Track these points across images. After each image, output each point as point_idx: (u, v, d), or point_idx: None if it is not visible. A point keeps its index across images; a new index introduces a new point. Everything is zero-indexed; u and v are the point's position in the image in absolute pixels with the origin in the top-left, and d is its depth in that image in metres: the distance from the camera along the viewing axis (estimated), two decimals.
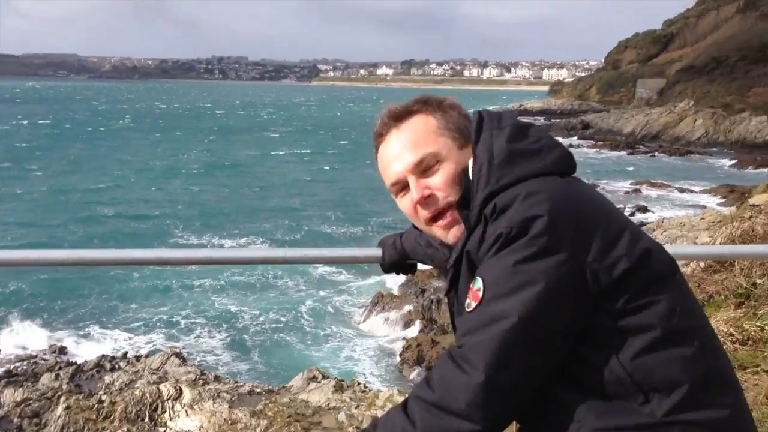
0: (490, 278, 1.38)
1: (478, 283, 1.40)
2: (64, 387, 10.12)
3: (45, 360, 12.83)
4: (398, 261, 2.16)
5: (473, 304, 1.39)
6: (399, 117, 1.68)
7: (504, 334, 1.34)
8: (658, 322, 1.37)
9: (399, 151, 1.65)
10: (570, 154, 1.63)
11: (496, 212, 1.43)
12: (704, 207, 28.09)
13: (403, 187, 1.66)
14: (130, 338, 15.98)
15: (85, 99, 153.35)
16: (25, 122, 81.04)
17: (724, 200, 30.42)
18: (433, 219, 1.64)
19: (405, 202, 1.67)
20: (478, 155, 1.55)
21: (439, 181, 1.61)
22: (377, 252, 2.24)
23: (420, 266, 2.19)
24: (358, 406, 9.30)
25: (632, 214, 28.53)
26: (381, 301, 16.94)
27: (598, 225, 1.41)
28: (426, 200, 1.62)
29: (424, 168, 1.62)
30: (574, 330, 1.38)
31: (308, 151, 57.64)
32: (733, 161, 46.78)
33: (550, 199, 1.41)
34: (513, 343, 1.34)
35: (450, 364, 1.38)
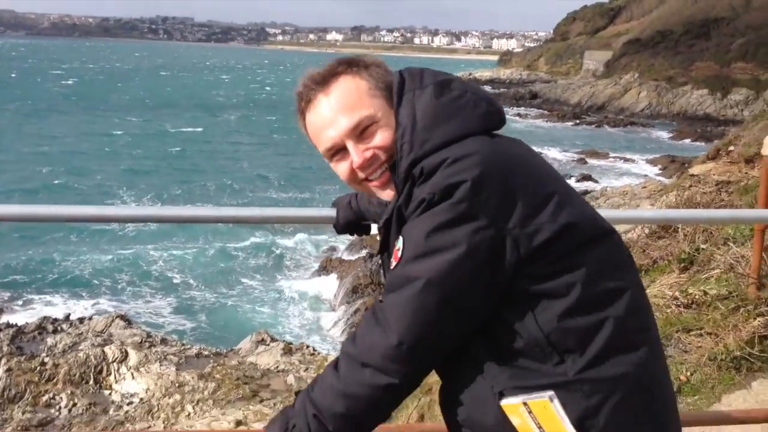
0: (409, 240, 1.40)
1: (399, 243, 1.42)
2: (5, 349, 9.87)
3: None
4: (353, 221, 2.12)
5: (394, 264, 1.42)
6: (325, 80, 1.60)
7: (416, 297, 1.37)
8: (578, 286, 1.39)
9: (332, 116, 1.58)
10: (498, 109, 1.58)
11: (423, 176, 1.42)
12: (646, 176, 28.75)
13: (338, 151, 1.61)
14: (73, 300, 15.67)
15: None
16: None
17: (664, 170, 31.19)
18: (369, 179, 1.61)
19: (342, 167, 1.62)
20: (400, 120, 1.52)
21: (379, 142, 1.57)
22: (331, 212, 2.19)
23: (374, 228, 2.17)
24: (306, 368, 9.34)
25: (577, 182, 29.05)
26: (329, 264, 16.95)
27: (525, 191, 1.40)
28: (368, 162, 1.58)
29: (361, 131, 1.57)
30: (491, 294, 1.39)
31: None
32: (675, 133, 47.91)
33: (477, 164, 1.39)
34: (424, 306, 1.36)
35: (370, 321, 1.42)
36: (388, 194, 1.59)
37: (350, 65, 1.62)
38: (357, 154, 1.57)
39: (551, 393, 1.36)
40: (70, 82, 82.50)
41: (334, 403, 1.44)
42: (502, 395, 1.39)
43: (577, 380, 1.37)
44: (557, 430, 1.37)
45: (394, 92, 1.56)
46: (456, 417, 1.51)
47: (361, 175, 1.60)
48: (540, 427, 1.38)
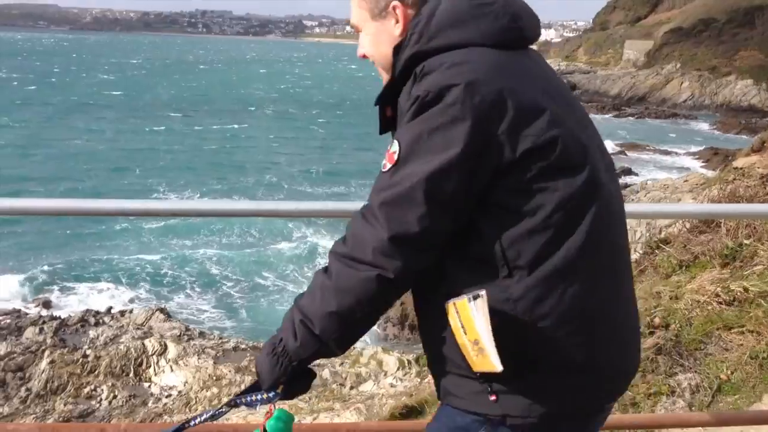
0: (404, 142, 1.45)
1: (395, 146, 1.46)
2: (48, 341, 10.10)
3: (28, 314, 12.78)
4: None
5: (388, 165, 1.47)
6: None
7: (407, 195, 1.43)
8: (546, 209, 1.44)
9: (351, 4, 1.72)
10: (520, 26, 1.56)
11: (422, 74, 1.48)
12: (688, 170, 28.23)
13: None
14: (115, 293, 15.94)
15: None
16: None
17: (707, 163, 30.57)
18: None
19: None
20: (422, 10, 1.57)
21: (359, 48, 1.71)
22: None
23: None
24: (342, 363, 9.36)
25: (617, 175, 28.66)
26: None
27: (518, 101, 1.43)
28: (362, 57, 1.71)
29: (357, 27, 1.71)
30: (473, 198, 1.45)
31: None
32: (718, 124, 46.92)
33: (473, 71, 1.43)
34: (415, 204, 1.43)
35: (360, 220, 1.48)
36: (386, 77, 1.66)
37: None
38: (358, 46, 1.72)
39: (475, 294, 1.41)
40: (111, 78, 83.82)
41: (324, 303, 1.49)
42: (448, 298, 1.47)
43: (516, 297, 1.44)
44: (472, 330, 1.42)
45: None
46: (422, 323, 1.61)
47: None
48: (462, 327, 1.44)
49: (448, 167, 1.41)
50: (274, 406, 1.66)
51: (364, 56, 1.71)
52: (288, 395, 1.63)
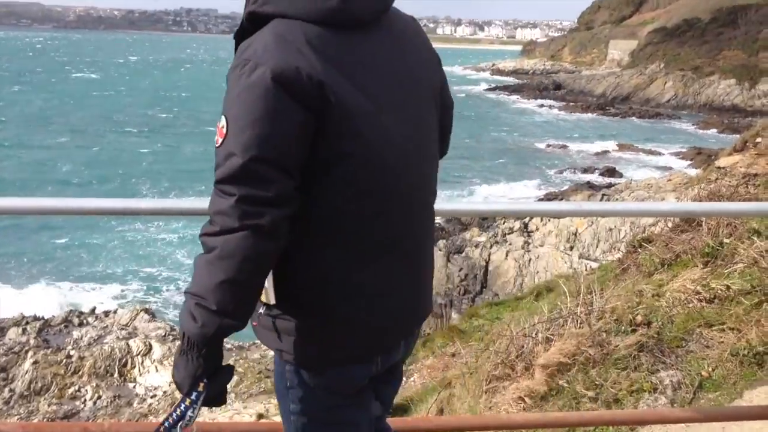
0: (230, 116, 1.52)
1: (222, 121, 1.53)
2: (32, 342, 10.03)
3: (11, 314, 12.68)
4: None
5: (220, 140, 1.54)
6: None
7: (245, 163, 1.51)
8: (346, 178, 1.60)
9: None
10: (348, 8, 1.59)
11: (243, 46, 1.58)
12: (671, 169, 28.44)
13: None
14: (98, 293, 15.86)
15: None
16: None
17: (691, 162, 30.83)
18: None
19: None
20: None
21: None
22: None
23: None
24: None
25: (601, 175, 28.80)
26: None
27: (313, 69, 1.52)
28: None
29: None
30: (297, 164, 1.56)
31: None
32: (701, 124, 47.30)
33: (282, 50, 1.52)
34: (252, 170, 1.51)
35: (216, 198, 1.54)
36: None
37: None
38: None
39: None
40: (94, 77, 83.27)
41: (211, 276, 1.52)
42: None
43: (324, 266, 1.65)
44: None
45: None
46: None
47: None
48: None
49: (271, 138, 1.51)
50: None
51: None
52: (212, 391, 1.60)
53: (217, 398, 1.62)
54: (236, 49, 1.65)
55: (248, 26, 1.64)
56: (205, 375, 1.57)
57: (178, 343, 1.46)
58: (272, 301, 1.67)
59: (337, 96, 1.54)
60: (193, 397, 1.56)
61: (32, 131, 39.31)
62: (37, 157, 32.01)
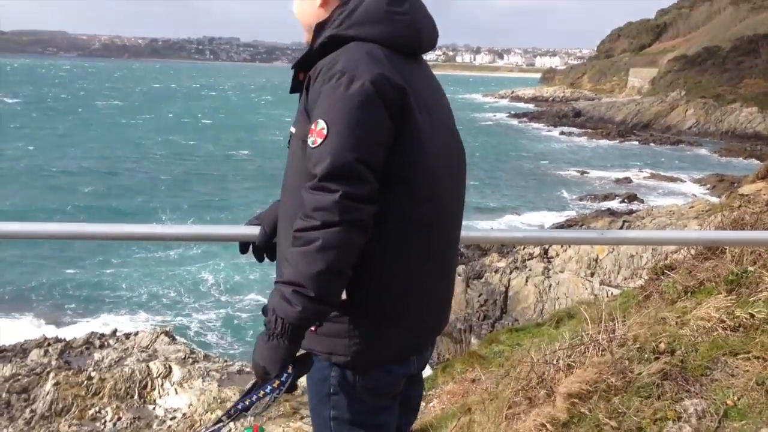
0: (329, 119, 1.68)
1: (321, 124, 1.68)
2: (53, 363, 10.10)
3: (33, 336, 12.79)
4: None
5: (318, 140, 1.68)
6: None
7: (347, 161, 1.66)
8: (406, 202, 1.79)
9: None
10: (420, 39, 1.87)
11: (335, 58, 1.74)
12: (694, 196, 28.22)
13: None
14: (119, 316, 15.96)
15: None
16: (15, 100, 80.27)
17: (713, 189, 30.58)
18: None
19: None
20: (349, 2, 1.83)
21: (296, 5, 1.97)
22: (248, 230, 2.19)
23: None
24: None
25: (622, 201, 28.64)
26: None
27: (398, 84, 1.74)
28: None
29: None
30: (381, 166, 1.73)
31: None
32: (723, 151, 46.97)
33: (374, 65, 1.72)
34: (352, 168, 1.66)
35: (315, 195, 1.66)
36: (307, 38, 1.92)
37: None
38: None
39: None
40: (118, 104, 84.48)
41: (310, 266, 1.64)
42: None
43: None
44: None
45: None
46: None
47: None
48: None
49: (366, 140, 1.68)
50: (258, 425, 1.77)
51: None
52: (299, 374, 1.74)
53: (295, 385, 1.76)
54: (299, 73, 1.87)
55: (320, 49, 1.81)
56: (292, 360, 1.70)
57: (262, 330, 1.50)
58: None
59: (412, 110, 1.76)
60: (282, 378, 1.69)
61: (54, 157, 39.86)
62: (57, 183, 32.42)
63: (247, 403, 1.73)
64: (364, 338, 1.82)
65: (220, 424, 1.76)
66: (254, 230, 2.18)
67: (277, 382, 1.69)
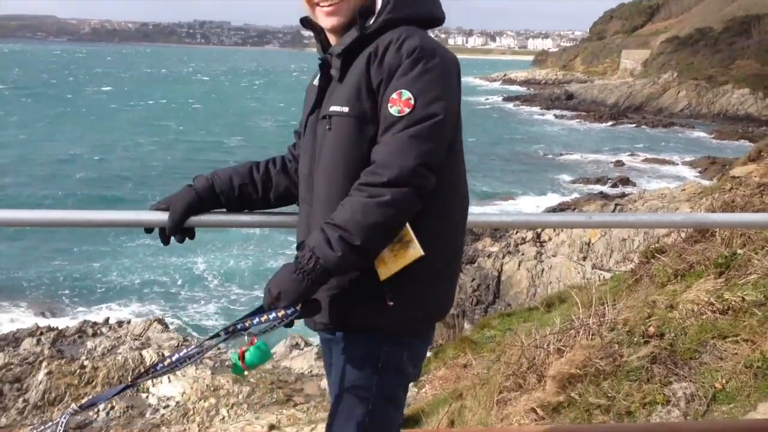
0: (416, 90, 1.78)
1: (407, 94, 1.77)
2: (46, 352, 10.09)
3: (26, 324, 12.76)
4: (197, 205, 2.12)
5: (406, 110, 1.77)
6: None
7: (431, 129, 1.78)
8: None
9: None
10: (442, 16, 2.01)
11: (404, 37, 1.82)
12: (685, 179, 28.29)
13: None
14: (112, 304, 15.93)
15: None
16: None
17: (704, 172, 30.65)
18: (317, 5, 1.93)
19: None
20: None
21: None
22: (153, 215, 2.13)
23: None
24: None
25: (614, 185, 28.70)
26: None
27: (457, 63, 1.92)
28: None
29: None
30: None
31: None
32: (715, 133, 47.04)
33: (434, 43, 1.87)
34: (436, 136, 1.79)
35: (391, 153, 1.75)
36: (330, 22, 1.92)
37: None
38: None
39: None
40: (107, 89, 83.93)
41: (367, 216, 1.72)
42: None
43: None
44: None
45: None
46: None
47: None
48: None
49: (450, 106, 1.81)
50: (256, 338, 1.78)
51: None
52: (305, 314, 1.77)
53: (305, 316, 1.80)
54: (346, 57, 1.88)
55: (375, 33, 1.86)
56: (305, 298, 1.74)
57: (295, 260, 1.51)
58: (418, 254, 1.80)
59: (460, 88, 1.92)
60: (289, 311, 1.73)
61: (43, 143, 39.64)
62: (47, 171, 32.26)
63: (247, 324, 1.77)
64: (417, 301, 1.89)
65: (218, 338, 1.82)
66: (161, 216, 2.12)
67: (282, 312, 1.72)
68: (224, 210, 2.18)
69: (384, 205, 1.72)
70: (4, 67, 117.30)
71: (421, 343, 2.00)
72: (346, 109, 1.84)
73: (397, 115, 1.77)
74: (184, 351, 1.83)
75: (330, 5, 1.91)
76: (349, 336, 1.93)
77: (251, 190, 2.14)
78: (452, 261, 1.97)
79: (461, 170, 1.98)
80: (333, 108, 1.87)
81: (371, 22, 1.89)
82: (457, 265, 2.02)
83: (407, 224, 1.80)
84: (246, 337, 1.78)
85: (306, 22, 2.05)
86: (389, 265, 1.81)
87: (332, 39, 1.98)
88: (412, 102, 1.77)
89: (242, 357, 1.77)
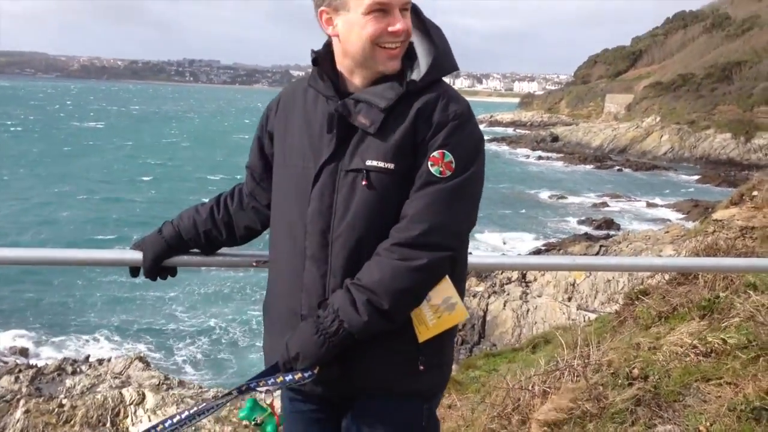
0: (457, 153, 1.78)
1: (449, 157, 1.76)
2: (24, 390, 9.89)
3: (4, 362, 12.55)
4: (167, 252, 2.12)
5: (447, 172, 1.76)
6: None
7: (470, 193, 1.81)
8: None
9: None
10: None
11: (448, 96, 1.82)
12: (669, 221, 28.51)
13: (382, 10, 1.79)
14: (92, 342, 15.73)
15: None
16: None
17: (688, 215, 30.90)
18: (386, 46, 1.82)
19: (376, 24, 1.80)
20: (436, 39, 1.88)
21: (409, 26, 1.84)
22: (134, 255, 2.14)
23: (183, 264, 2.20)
24: None
25: (599, 227, 28.86)
26: None
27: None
28: (403, 32, 1.82)
29: (405, 8, 1.83)
30: None
31: None
32: (698, 177, 47.57)
33: (469, 106, 1.89)
34: (475, 200, 1.84)
35: (432, 212, 1.74)
36: (393, 65, 1.84)
37: None
38: (403, 22, 1.81)
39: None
40: (95, 125, 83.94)
41: (396, 281, 1.67)
42: None
43: None
44: (441, 291, 1.77)
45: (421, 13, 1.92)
46: None
47: (385, 39, 1.81)
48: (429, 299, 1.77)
49: (482, 174, 1.84)
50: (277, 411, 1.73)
51: (406, 31, 1.85)
52: (323, 377, 1.70)
53: (323, 379, 1.75)
54: (387, 114, 1.79)
55: (422, 89, 1.82)
56: (326, 361, 1.68)
57: (315, 320, 1.67)
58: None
59: None
60: (306, 374, 1.67)
61: (27, 179, 39.46)
62: (29, 205, 32.06)
63: (261, 384, 1.71)
64: (447, 364, 1.96)
65: (230, 396, 1.75)
66: (139, 255, 2.14)
67: (300, 375, 1.66)
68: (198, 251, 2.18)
69: (417, 270, 1.68)
70: None
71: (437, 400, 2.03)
72: (391, 166, 1.76)
73: (438, 175, 1.75)
74: (194, 408, 1.77)
75: (397, 47, 1.83)
76: (386, 401, 1.85)
77: (216, 234, 2.13)
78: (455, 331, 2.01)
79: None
80: (371, 162, 1.76)
81: (413, 76, 1.85)
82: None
83: (452, 285, 1.77)
84: (264, 400, 1.73)
85: (319, 61, 1.93)
86: (431, 328, 1.75)
87: (355, 83, 1.88)
88: (453, 165, 1.76)
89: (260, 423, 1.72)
